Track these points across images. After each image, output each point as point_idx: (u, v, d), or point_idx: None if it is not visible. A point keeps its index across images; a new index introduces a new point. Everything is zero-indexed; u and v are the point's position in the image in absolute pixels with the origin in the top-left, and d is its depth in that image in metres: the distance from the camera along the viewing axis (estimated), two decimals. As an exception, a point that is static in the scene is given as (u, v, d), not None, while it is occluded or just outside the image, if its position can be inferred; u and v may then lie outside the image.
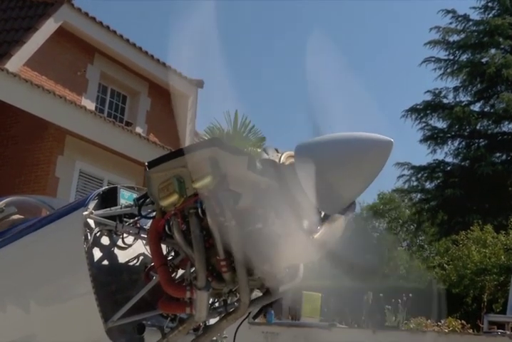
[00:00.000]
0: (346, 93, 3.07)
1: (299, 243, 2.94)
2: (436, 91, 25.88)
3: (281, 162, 2.97)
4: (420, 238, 30.83)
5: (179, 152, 2.99)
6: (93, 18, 13.88)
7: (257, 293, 3.35)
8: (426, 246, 30.26)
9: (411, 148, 30.49)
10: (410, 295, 8.96)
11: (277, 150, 3.06)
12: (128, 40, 14.67)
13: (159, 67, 15.48)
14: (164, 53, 15.70)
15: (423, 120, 25.75)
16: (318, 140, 2.80)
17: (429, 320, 8.71)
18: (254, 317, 3.68)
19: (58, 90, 12.92)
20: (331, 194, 2.79)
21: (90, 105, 13.99)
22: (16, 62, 12.54)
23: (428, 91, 25.95)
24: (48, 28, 13.07)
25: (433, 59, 26.22)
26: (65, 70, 13.93)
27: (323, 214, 3.01)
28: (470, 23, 26.32)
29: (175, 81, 15.47)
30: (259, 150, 3.14)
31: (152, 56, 15.28)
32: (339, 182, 2.73)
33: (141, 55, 15.11)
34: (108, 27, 14.18)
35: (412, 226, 29.91)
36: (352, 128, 2.89)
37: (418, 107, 25.83)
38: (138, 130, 14.98)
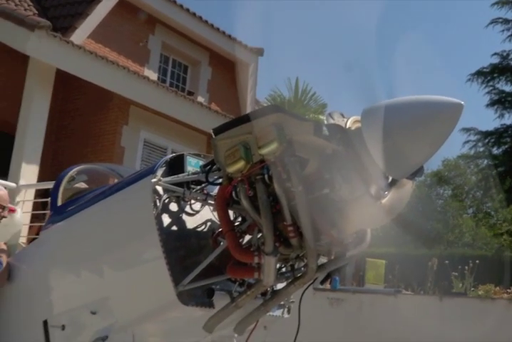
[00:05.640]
0: (413, 57, 3.00)
1: (366, 208, 2.92)
2: (504, 53, 25.04)
3: (347, 126, 2.93)
4: (486, 205, 30.20)
5: (244, 119, 2.99)
6: (154, -11, 13.94)
7: (321, 260, 3.36)
8: (492, 213, 29.63)
9: (478, 113, 29.70)
10: (477, 261, 8.82)
11: (342, 115, 3.02)
12: (188, 10, 14.68)
13: (219, 36, 15.46)
14: (224, 22, 15.65)
15: (490, 83, 24.99)
16: (385, 103, 2.75)
17: (498, 287, 8.56)
18: (322, 282, 3.70)
19: (121, 61, 13.08)
20: (399, 159, 2.74)
21: (153, 76, 14.12)
22: (80, 34, 12.73)
23: (495, 54, 25.15)
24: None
25: (500, 20, 25.31)
26: (128, 41, 14.07)
27: (390, 179, 2.98)
28: (541, -20, 25.20)
29: (235, 50, 15.46)
30: (320, 117, 3.11)
31: (212, 25, 15.26)
32: (407, 146, 2.68)
33: (201, 25, 15.11)
34: (168, -3, 14.22)
35: (478, 193, 29.33)
36: (419, 92, 2.83)
37: (484, 70, 25.06)
38: (200, 99, 15.07)
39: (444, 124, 2.66)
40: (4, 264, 4.18)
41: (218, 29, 15.38)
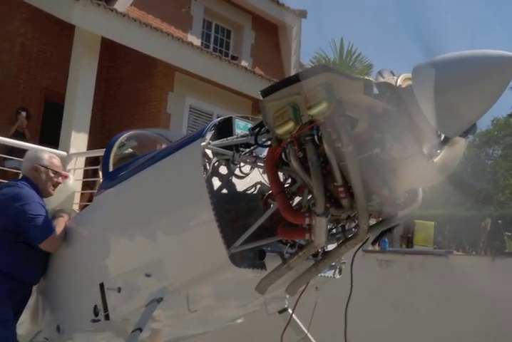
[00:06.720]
0: (464, 10, 2.91)
1: (418, 167, 2.87)
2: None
3: (397, 84, 2.88)
4: (539, 165, 29.51)
5: (292, 79, 2.95)
6: (194, -48, 13.80)
7: (370, 222, 3.33)
8: (545, 173, 28.98)
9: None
10: (530, 221, 8.66)
11: (392, 73, 2.96)
12: (229, -27, 14.55)
13: (261, -1, 15.30)
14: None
15: (543, 39, 24.17)
16: (436, 60, 2.67)
17: (551, 247, 8.41)
18: (373, 243, 3.69)
19: (164, 27, 13.08)
20: (452, 116, 2.68)
21: (196, 41, 14.10)
22: (124, 2, 12.77)
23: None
24: (152, -34, 13.18)
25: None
26: (170, 7, 14.04)
27: (443, 137, 2.92)
28: None
29: (279, 12, 15.27)
30: (366, 78, 3.05)
31: (254, -12, 15.09)
32: (460, 102, 2.61)
33: (243, -12, 14.96)
34: (209, -39, 14.08)
35: (530, 153, 28.66)
36: (471, 47, 2.74)
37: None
38: (244, 63, 15.00)
39: (499, 78, 2.58)
40: (58, 229, 4.26)
41: (260, -8, 15.21)
